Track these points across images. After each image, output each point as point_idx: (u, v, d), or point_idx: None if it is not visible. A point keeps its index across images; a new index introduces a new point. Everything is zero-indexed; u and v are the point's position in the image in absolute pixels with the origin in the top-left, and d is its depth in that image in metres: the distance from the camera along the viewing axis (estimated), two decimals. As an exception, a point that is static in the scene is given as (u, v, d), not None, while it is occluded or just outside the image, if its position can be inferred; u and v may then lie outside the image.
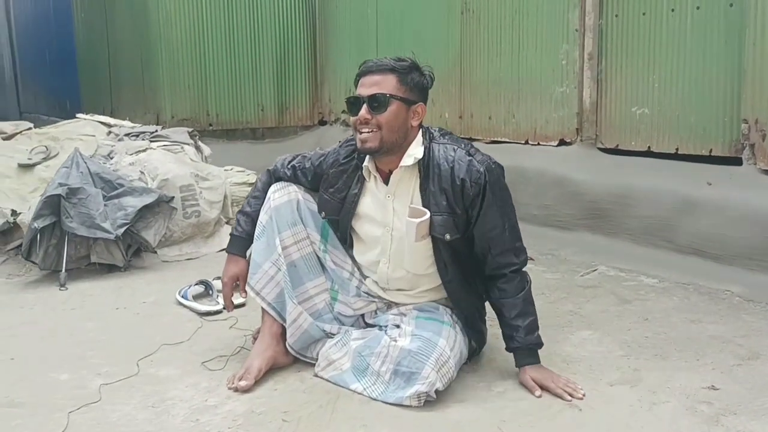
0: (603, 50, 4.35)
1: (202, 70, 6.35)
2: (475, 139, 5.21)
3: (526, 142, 4.82)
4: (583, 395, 2.22)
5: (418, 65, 2.32)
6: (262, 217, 2.51)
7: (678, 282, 3.36)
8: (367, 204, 2.41)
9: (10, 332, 2.92)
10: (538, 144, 4.74)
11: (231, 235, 2.63)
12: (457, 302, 2.40)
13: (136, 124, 4.94)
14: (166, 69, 6.30)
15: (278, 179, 2.59)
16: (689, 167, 3.85)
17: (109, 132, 4.74)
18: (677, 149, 3.97)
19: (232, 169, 4.61)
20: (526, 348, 2.33)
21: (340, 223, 2.46)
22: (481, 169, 2.25)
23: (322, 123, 6.95)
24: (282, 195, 2.50)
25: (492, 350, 2.58)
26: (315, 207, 2.52)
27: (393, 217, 2.37)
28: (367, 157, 2.35)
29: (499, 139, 5.00)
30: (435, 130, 2.38)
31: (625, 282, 3.41)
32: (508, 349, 2.37)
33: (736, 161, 3.68)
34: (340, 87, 6.61)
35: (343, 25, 6.60)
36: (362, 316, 2.55)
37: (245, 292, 2.55)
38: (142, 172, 4.07)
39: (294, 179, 2.56)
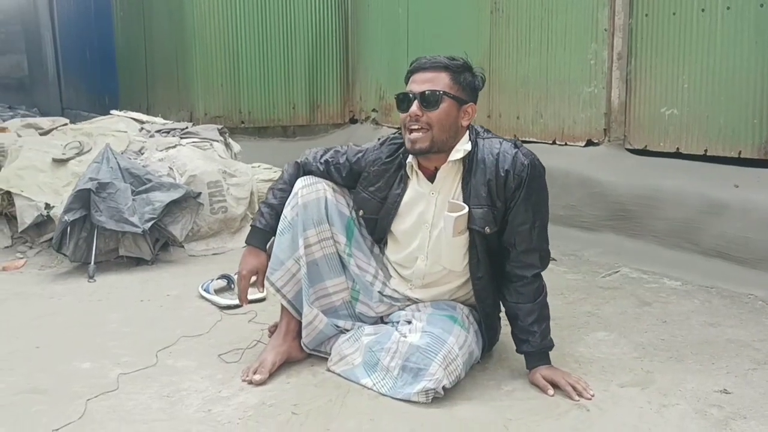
0: (632, 50, 4.31)
1: (234, 69, 6.45)
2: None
3: (554, 142, 4.80)
4: (592, 396, 2.22)
5: (470, 65, 2.31)
6: (288, 212, 2.46)
7: (701, 285, 3.32)
8: (407, 202, 2.40)
9: (38, 322, 3.00)
10: (566, 144, 4.72)
11: (252, 226, 2.58)
12: (483, 299, 2.40)
13: (167, 121, 5.04)
14: (200, 67, 6.41)
15: (308, 173, 2.54)
16: (717, 169, 3.80)
17: (141, 128, 4.85)
18: (706, 151, 3.92)
19: (259, 166, 4.67)
20: (538, 351, 2.33)
21: (378, 222, 2.45)
22: (526, 162, 2.24)
23: (353, 121, 7.00)
24: (311, 191, 2.45)
25: (505, 349, 2.58)
26: (343, 206, 2.49)
27: (434, 213, 2.36)
28: (411, 156, 2.34)
29: (527, 139, 4.98)
30: (480, 128, 2.38)
31: (647, 284, 3.38)
32: (519, 351, 2.37)
33: (765, 164, 3.62)
34: (371, 86, 6.65)
35: (375, 24, 6.63)
36: (382, 318, 2.56)
37: (263, 286, 2.55)
38: (170, 168, 4.15)
39: (327, 175, 2.51)
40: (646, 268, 3.59)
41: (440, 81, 2.24)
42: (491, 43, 5.25)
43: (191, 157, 4.24)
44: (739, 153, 3.76)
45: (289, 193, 2.50)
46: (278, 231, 2.49)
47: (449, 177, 2.34)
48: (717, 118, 3.84)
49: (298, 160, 2.60)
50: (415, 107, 2.22)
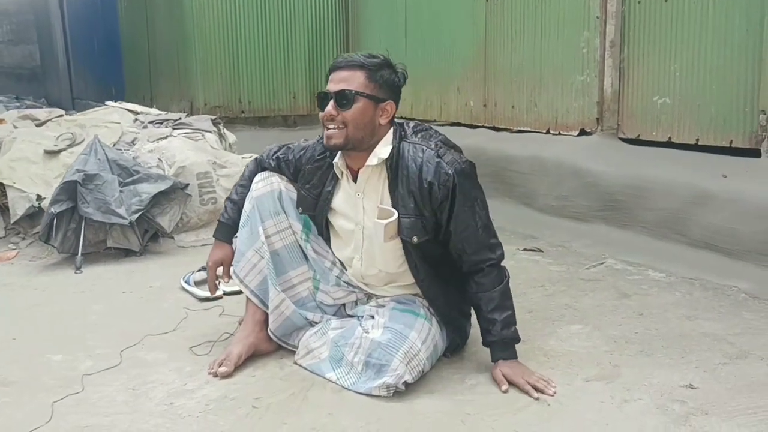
0: (625, 38, 4.26)
1: (234, 59, 6.45)
2: (499, 129, 5.18)
3: (548, 132, 4.76)
4: (554, 393, 2.20)
5: (391, 63, 2.30)
6: (246, 206, 2.55)
7: (685, 277, 3.28)
8: (340, 200, 2.42)
9: (20, 314, 3.04)
10: (559, 134, 4.68)
11: (218, 221, 2.69)
12: (432, 300, 2.40)
13: (161, 112, 5.06)
14: (200, 58, 6.42)
15: (263, 169, 2.62)
16: (708, 159, 3.75)
17: (135, 119, 4.87)
18: (697, 140, 3.87)
19: (250, 157, 4.66)
20: (501, 342, 2.31)
21: (315, 218, 2.49)
22: (450, 171, 2.22)
23: (354, 110, 6.98)
24: (265, 185, 2.53)
25: (475, 343, 2.57)
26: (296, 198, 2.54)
27: (363, 215, 2.38)
28: (339, 153, 2.36)
29: (522, 129, 4.95)
30: (408, 127, 2.36)
31: (631, 276, 3.35)
32: (484, 343, 2.36)
33: (756, 153, 3.57)
34: (371, 75, 6.63)
35: (374, 12, 6.60)
36: (343, 306, 2.57)
37: (228, 276, 2.60)
38: (160, 159, 4.17)
39: (278, 170, 2.58)
40: (631, 260, 3.55)
41: (355, 80, 2.23)
42: (487, 32, 5.21)
43: (181, 149, 4.26)
44: (731, 142, 3.70)
45: (249, 189, 2.56)
46: (240, 225, 2.55)
47: (372, 180, 2.34)
48: (708, 107, 3.79)
49: (257, 157, 2.68)
50: (330, 106, 2.23)
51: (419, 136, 2.33)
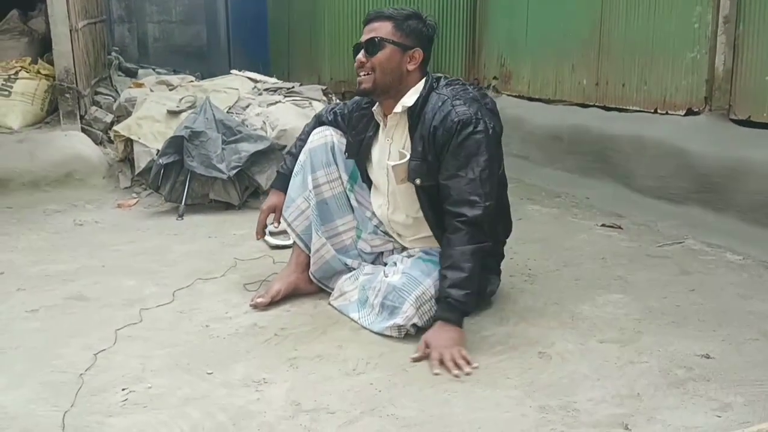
0: (741, 13, 4.02)
1: (359, 37, 6.67)
2: (609, 108, 5.05)
3: (655, 111, 4.59)
4: (468, 372, 2.07)
5: (419, 14, 2.41)
6: (300, 157, 2.73)
7: (763, 261, 3.10)
8: (377, 146, 2.57)
9: (116, 248, 3.41)
10: (667, 113, 4.49)
11: (277, 172, 2.90)
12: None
13: (278, 81, 5.37)
14: (328, 33, 6.71)
15: (321, 123, 2.80)
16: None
17: (254, 87, 5.21)
18: (810, 122, 3.61)
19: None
20: (445, 301, 2.27)
21: (358, 163, 2.64)
22: (455, 120, 2.29)
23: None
24: (319, 138, 2.71)
25: (504, 300, 2.61)
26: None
27: (389, 159, 2.50)
28: (377, 103, 2.48)
29: (631, 108, 4.80)
30: (443, 79, 2.45)
31: (703, 256, 3.20)
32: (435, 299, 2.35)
33: None
34: (494, 53, 6.62)
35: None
36: (381, 254, 2.70)
37: (278, 222, 2.80)
38: (264, 122, 4.46)
39: (335, 124, 2.76)
40: (713, 242, 3.39)
41: (383, 29, 2.38)
42: (603, 9, 5.07)
43: (285, 114, 4.53)
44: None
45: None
46: (293, 173, 2.71)
47: (400, 126, 2.46)
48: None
49: (317, 113, 2.89)
50: (360, 55, 2.40)
51: (450, 88, 2.41)
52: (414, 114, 2.40)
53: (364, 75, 2.40)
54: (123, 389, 1.99)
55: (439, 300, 2.31)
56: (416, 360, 2.15)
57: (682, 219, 3.83)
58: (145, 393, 1.98)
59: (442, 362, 2.10)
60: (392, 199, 2.55)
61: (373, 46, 2.38)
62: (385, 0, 6.58)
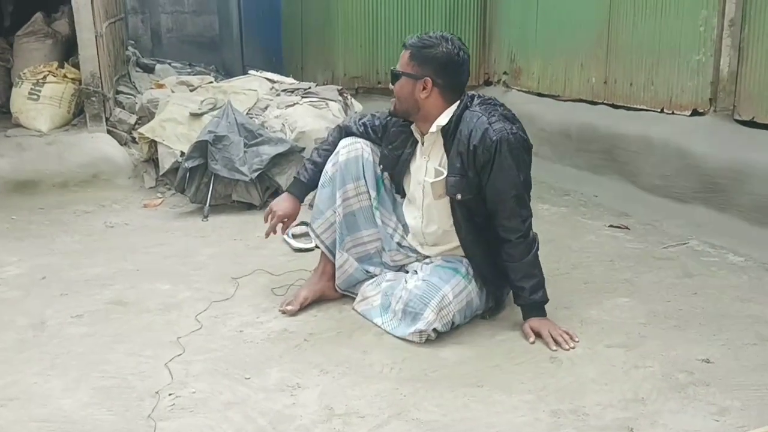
0: (746, 16, 4.15)
1: (373, 31, 6.81)
2: (617, 106, 5.18)
3: (662, 111, 4.72)
4: (571, 348, 2.42)
5: (438, 42, 2.53)
6: (329, 168, 2.83)
7: (764, 262, 3.25)
8: (414, 163, 2.73)
9: (148, 250, 3.60)
10: (673, 113, 4.63)
11: (295, 177, 2.98)
12: (471, 258, 2.64)
13: (295, 81, 5.53)
14: (341, 31, 6.85)
15: (349, 135, 2.91)
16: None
17: (272, 88, 5.37)
18: (813, 125, 3.75)
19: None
20: (529, 305, 2.56)
21: (394, 177, 2.79)
22: (494, 138, 2.46)
23: (488, 83, 7.13)
24: (351, 150, 2.81)
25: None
26: (376, 165, 2.82)
27: (425, 175, 2.66)
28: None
29: (638, 107, 4.94)
30: (476, 99, 2.60)
31: (706, 258, 3.36)
32: (516, 303, 2.60)
33: None
34: (504, 49, 6.75)
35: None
36: (402, 267, 2.86)
37: (284, 232, 3.03)
38: (283, 125, 4.63)
39: (365, 135, 2.87)
40: (716, 242, 3.55)
41: (402, 59, 2.58)
42: (611, 7, 5.19)
43: (303, 116, 4.69)
44: None
45: (332, 153, 2.86)
46: (320, 184, 2.87)
47: (437, 145, 2.62)
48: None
49: (340, 124, 3.00)
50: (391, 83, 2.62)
51: (482, 107, 2.56)
52: (448, 132, 2.55)
53: (392, 99, 2.60)
54: (170, 394, 2.18)
55: (522, 306, 2.60)
56: (533, 342, 2.49)
57: (686, 218, 3.98)
58: (190, 397, 2.17)
59: (556, 342, 2.46)
60: (427, 213, 2.70)
61: (393, 76, 2.60)
62: (397, 2, 6.73)
